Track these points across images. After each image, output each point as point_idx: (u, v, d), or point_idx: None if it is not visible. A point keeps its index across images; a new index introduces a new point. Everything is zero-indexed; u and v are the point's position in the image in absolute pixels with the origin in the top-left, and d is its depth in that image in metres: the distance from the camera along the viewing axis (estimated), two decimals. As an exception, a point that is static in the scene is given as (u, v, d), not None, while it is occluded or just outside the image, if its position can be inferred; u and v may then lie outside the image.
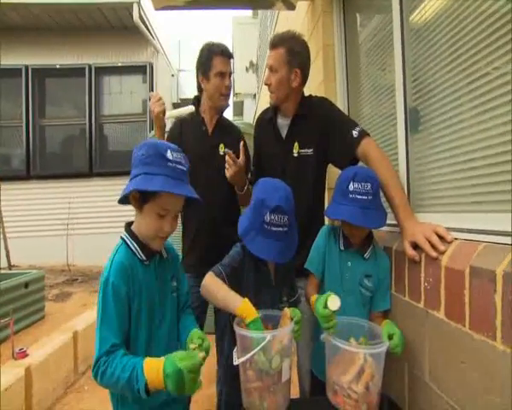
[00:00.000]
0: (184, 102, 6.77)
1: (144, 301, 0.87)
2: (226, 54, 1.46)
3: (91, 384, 2.18)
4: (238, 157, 1.37)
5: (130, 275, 0.84)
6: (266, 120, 1.51)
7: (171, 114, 1.49)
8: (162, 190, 0.81)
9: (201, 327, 1.40)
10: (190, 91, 7.08)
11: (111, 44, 4.89)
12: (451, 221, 0.96)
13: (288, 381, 0.93)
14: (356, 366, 0.89)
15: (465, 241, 0.87)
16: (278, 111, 1.46)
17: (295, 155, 1.38)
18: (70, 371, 2.22)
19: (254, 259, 1.08)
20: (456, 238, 0.90)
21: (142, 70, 4.85)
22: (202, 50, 1.48)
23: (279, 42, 1.34)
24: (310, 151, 1.36)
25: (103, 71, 4.85)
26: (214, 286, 0.98)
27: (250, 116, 7.81)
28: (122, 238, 0.89)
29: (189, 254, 1.52)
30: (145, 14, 4.49)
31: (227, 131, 1.57)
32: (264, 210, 0.98)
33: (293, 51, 1.32)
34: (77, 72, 4.74)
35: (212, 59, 1.43)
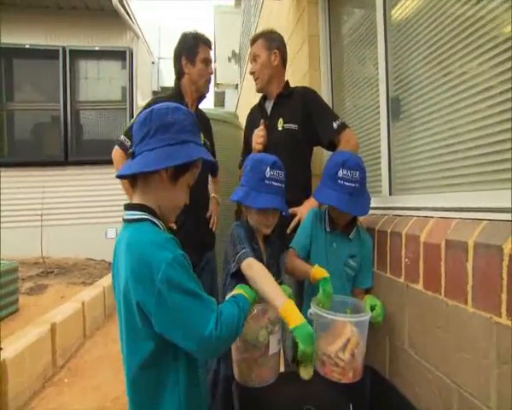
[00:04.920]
0: (164, 91, 6.58)
1: None
2: (210, 44, 1.57)
3: (72, 378, 2.13)
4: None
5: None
6: (256, 107, 1.65)
7: None
8: (210, 161, 0.78)
9: None
10: (171, 80, 6.86)
11: (86, 27, 4.62)
12: (428, 201, 1.04)
13: (277, 354, 0.97)
14: (343, 336, 0.95)
15: (440, 218, 0.95)
16: (266, 97, 1.60)
17: (280, 128, 1.47)
18: (48, 365, 2.15)
19: (248, 237, 1.12)
20: (432, 216, 0.98)
21: (122, 56, 4.64)
22: (187, 36, 1.53)
23: (257, 36, 1.57)
24: (294, 126, 1.45)
25: (79, 54, 4.59)
26: (262, 277, 0.94)
27: (232, 107, 7.68)
28: (143, 219, 0.72)
29: None
30: (124, -4, 4.29)
31: (203, 121, 1.63)
32: (263, 166, 1.06)
33: (270, 37, 1.54)
34: (49, 54, 4.45)
35: (199, 46, 1.51)
